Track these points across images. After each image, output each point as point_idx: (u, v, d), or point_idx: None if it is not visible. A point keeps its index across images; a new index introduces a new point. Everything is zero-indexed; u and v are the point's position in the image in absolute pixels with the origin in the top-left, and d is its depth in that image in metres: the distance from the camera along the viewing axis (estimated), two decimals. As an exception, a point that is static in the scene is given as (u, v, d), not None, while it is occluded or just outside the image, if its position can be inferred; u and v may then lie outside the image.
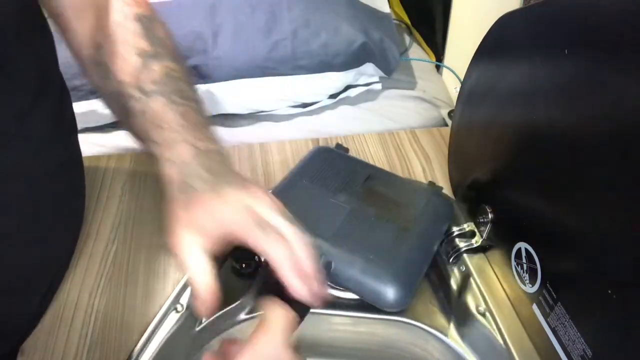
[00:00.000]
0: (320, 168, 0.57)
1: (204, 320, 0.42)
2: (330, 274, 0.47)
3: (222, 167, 0.38)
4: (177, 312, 0.48)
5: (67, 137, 0.52)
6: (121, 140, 0.86)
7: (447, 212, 0.55)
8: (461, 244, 0.52)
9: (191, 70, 0.84)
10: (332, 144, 0.70)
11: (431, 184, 0.59)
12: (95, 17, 0.43)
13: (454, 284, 0.51)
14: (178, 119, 0.39)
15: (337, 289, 0.50)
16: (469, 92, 0.52)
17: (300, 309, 0.34)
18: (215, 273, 0.33)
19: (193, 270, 0.33)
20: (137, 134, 0.41)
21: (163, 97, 0.40)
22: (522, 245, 0.44)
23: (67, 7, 0.43)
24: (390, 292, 0.46)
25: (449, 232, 0.53)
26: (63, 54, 0.50)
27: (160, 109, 0.39)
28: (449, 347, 0.48)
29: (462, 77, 0.54)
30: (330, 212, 0.51)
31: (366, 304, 0.50)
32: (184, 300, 0.49)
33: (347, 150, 0.63)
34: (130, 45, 0.41)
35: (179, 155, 0.37)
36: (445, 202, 0.56)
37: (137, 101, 0.40)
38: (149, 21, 0.43)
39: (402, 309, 0.47)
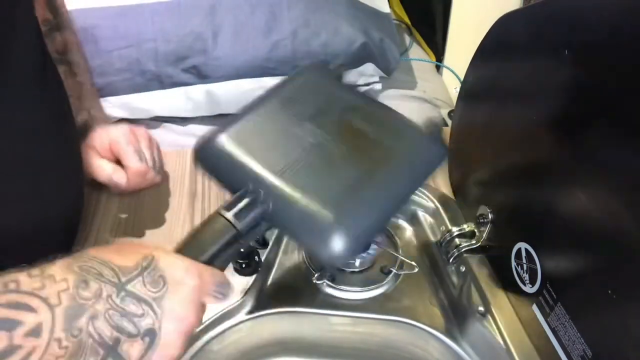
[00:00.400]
0: (299, 89, 0.46)
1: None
2: (266, 215, 0.38)
3: None
4: (177, 312, 0.48)
5: (67, 132, 0.52)
6: (121, 140, 0.87)
7: (435, 158, 0.44)
8: (461, 244, 0.52)
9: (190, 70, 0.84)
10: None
11: (429, 126, 0.52)
12: None
13: (454, 284, 0.51)
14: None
15: (340, 289, 0.50)
16: (469, 92, 0.52)
17: None
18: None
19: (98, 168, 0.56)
20: None
21: None
22: (522, 245, 0.44)
23: None
24: (332, 238, 0.36)
25: (449, 231, 0.53)
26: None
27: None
28: (448, 347, 0.48)
29: (462, 77, 0.54)
30: (289, 142, 0.42)
31: (366, 304, 0.50)
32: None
33: (341, 74, 0.53)
34: None
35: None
36: (436, 147, 0.45)
37: None
38: None
39: (348, 260, 0.40)
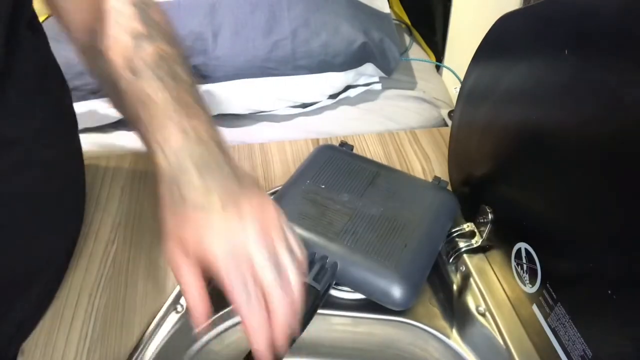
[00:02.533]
0: (324, 167, 0.57)
1: (197, 329, 0.42)
2: (336, 275, 0.47)
3: (215, 160, 0.36)
4: (177, 312, 0.48)
5: (68, 132, 0.52)
6: (121, 140, 0.87)
7: (452, 209, 0.55)
8: (461, 244, 0.52)
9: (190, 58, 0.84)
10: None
11: (437, 179, 0.58)
12: (91, 4, 0.42)
13: (454, 284, 0.51)
14: (168, 100, 0.37)
15: (341, 289, 0.50)
16: (469, 92, 0.52)
17: None
18: (203, 286, 0.34)
19: (183, 285, 0.34)
20: (130, 118, 0.39)
21: (154, 78, 0.38)
22: (522, 245, 0.44)
23: None
24: (397, 291, 0.46)
25: (448, 232, 0.53)
26: (63, 53, 0.51)
27: (150, 91, 0.37)
28: (449, 347, 0.48)
29: (462, 77, 0.54)
30: (335, 212, 0.51)
31: (366, 304, 0.50)
32: (184, 300, 0.49)
33: (351, 147, 0.62)
34: (123, 27, 0.40)
35: (167, 140, 0.35)
36: (450, 199, 0.55)
37: (128, 82, 0.38)
38: (146, 6, 0.42)
39: (408, 307, 0.47)
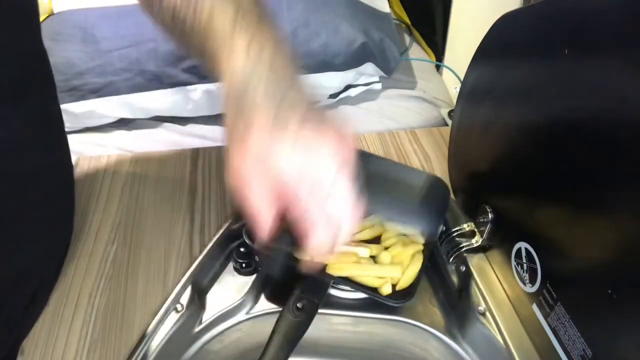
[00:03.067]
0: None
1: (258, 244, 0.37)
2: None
3: (281, 78, 0.34)
4: (177, 312, 0.48)
5: (53, 138, 0.51)
6: (121, 140, 0.87)
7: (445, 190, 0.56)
8: (461, 243, 0.52)
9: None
10: (332, 144, 0.70)
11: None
12: None
13: (454, 284, 0.51)
14: (231, 24, 0.35)
15: (341, 289, 0.50)
16: (469, 92, 0.52)
17: None
18: (273, 208, 0.33)
19: (256, 208, 0.33)
20: (198, 54, 0.38)
21: (217, 2, 0.35)
22: (522, 245, 0.44)
23: None
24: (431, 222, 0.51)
25: (448, 232, 0.53)
26: (63, 53, 0.50)
27: (214, 16, 0.35)
28: (449, 347, 0.48)
29: (462, 77, 0.54)
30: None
31: (366, 304, 0.50)
32: (184, 300, 0.49)
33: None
34: None
35: (231, 63, 0.34)
36: (444, 185, 0.56)
37: (192, 11, 0.36)
38: None
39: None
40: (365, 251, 0.49)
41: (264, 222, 0.33)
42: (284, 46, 0.36)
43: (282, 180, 0.32)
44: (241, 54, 0.34)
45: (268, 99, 0.33)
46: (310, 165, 0.32)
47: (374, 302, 0.48)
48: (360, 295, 0.50)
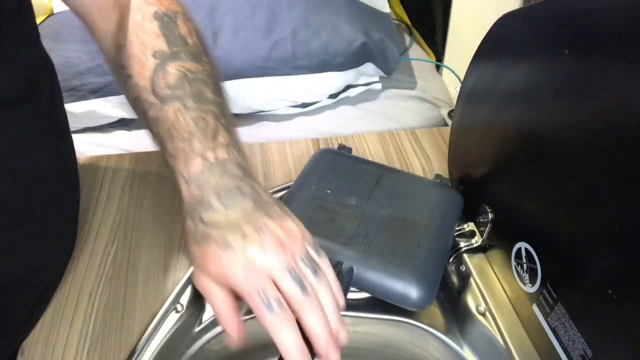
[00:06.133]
0: (326, 172, 0.56)
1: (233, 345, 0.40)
2: (352, 280, 0.46)
3: (236, 186, 0.35)
4: (177, 312, 0.48)
5: (59, 139, 0.51)
6: (121, 140, 0.87)
7: (458, 206, 0.54)
8: (461, 243, 0.52)
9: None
10: (332, 144, 0.70)
11: (438, 177, 0.58)
12: (118, 17, 0.41)
13: (454, 284, 0.51)
14: (190, 126, 0.37)
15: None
16: (469, 92, 0.52)
17: None
18: (233, 304, 0.35)
19: (213, 306, 0.35)
20: (159, 144, 0.39)
21: (176, 102, 0.37)
22: (522, 245, 0.44)
23: (91, 7, 0.41)
24: (415, 291, 0.45)
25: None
26: (62, 53, 0.50)
27: (172, 116, 0.37)
28: (449, 347, 0.48)
29: (462, 77, 0.54)
30: (344, 217, 0.51)
31: (366, 304, 0.50)
32: (184, 300, 0.49)
33: (350, 150, 0.62)
34: (147, 47, 0.39)
35: (188, 168, 0.36)
36: (455, 196, 0.55)
37: (153, 108, 0.38)
38: (169, 19, 0.41)
39: (427, 307, 0.47)
40: None
41: (231, 325, 0.34)
42: (239, 147, 0.38)
43: (233, 286, 0.33)
44: (200, 163, 0.36)
45: (225, 209, 0.34)
46: (260, 271, 0.33)
47: (373, 302, 0.48)
48: (360, 295, 0.50)
